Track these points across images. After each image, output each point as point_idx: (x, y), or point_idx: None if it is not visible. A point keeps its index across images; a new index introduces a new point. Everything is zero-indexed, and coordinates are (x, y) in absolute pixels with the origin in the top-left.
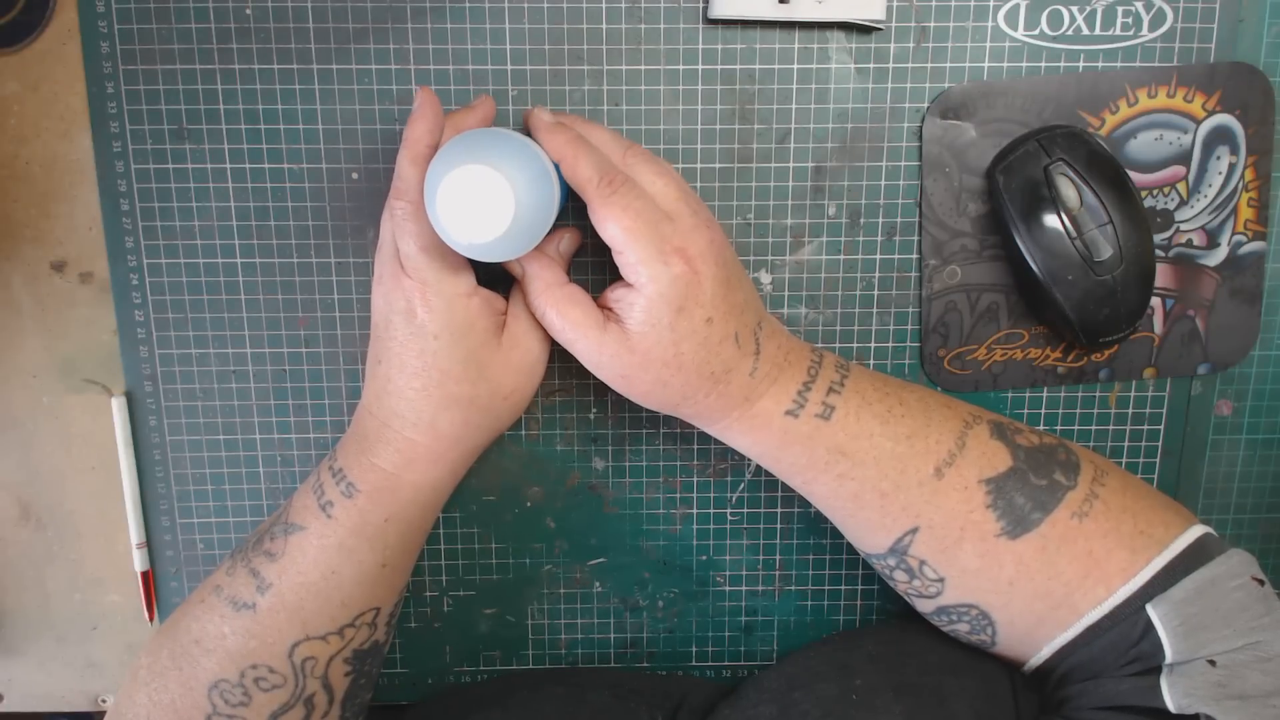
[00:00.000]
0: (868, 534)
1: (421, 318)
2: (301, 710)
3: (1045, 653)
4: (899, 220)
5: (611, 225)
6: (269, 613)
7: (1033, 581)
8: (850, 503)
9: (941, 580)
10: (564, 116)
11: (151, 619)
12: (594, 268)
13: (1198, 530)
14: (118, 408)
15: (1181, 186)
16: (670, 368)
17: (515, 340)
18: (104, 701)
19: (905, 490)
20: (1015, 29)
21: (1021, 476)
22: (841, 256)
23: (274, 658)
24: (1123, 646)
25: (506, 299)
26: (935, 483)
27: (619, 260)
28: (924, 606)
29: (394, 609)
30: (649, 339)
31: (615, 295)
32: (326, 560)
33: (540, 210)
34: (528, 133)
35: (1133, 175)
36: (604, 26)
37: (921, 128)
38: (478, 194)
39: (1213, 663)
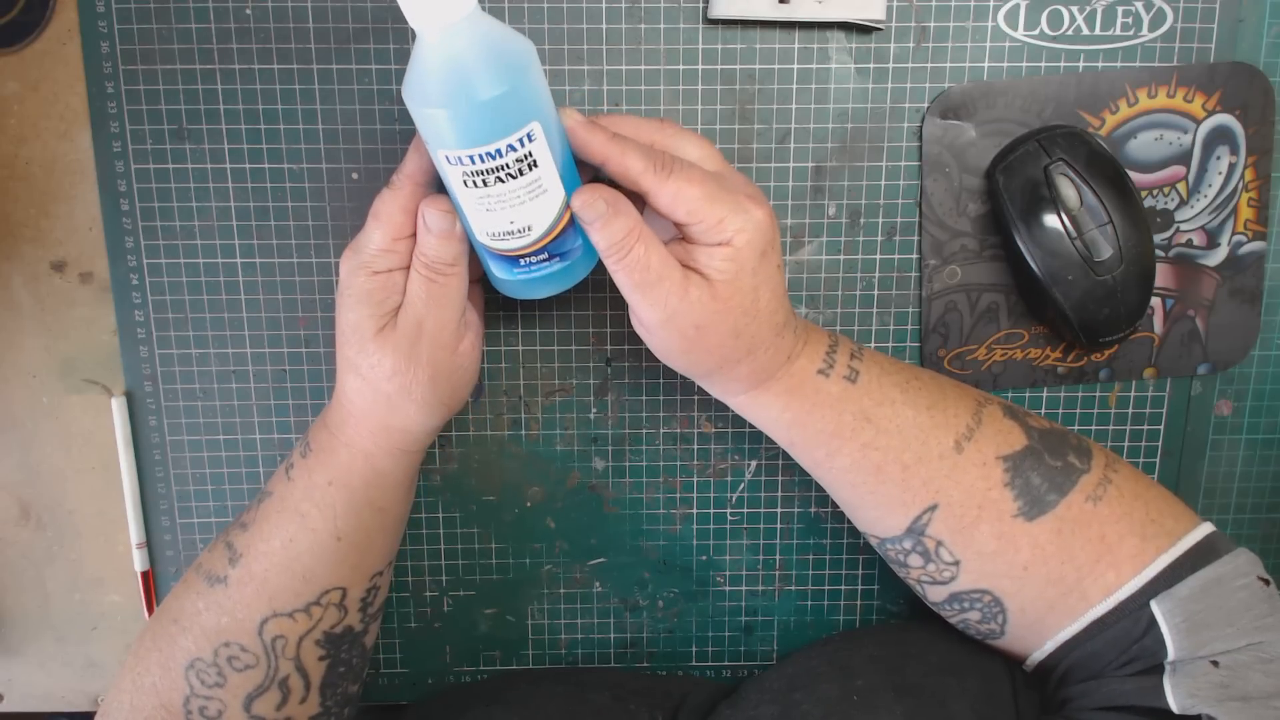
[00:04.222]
0: (886, 513)
1: (342, 274)
2: (277, 694)
3: (1049, 646)
4: (899, 220)
5: (683, 201)
6: (238, 585)
7: (1046, 566)
8: (872, 476)
9: (957, 564)
10: (595, 117)
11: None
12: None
13: (1206, 528)
14: (118, 408)
15: (1181, 186)
16: (748, 315)
17: (400, 323)
18: (103, 701)
19: (927, 463)
20: (1015, 29)
21: (1037, 456)
22: (841, 256)
23: (244, 634)
24: (1125, 643)
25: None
26: (955, 457)
27: (694, 231)
28: (936, 595)
29: (366, 595)
30: (731, 285)
31: (689, 250)
32: (284, 526)
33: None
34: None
35: (1133, 175)
36: (604, 26)
37: (921, 128)
38: None
39: (1215, 663)
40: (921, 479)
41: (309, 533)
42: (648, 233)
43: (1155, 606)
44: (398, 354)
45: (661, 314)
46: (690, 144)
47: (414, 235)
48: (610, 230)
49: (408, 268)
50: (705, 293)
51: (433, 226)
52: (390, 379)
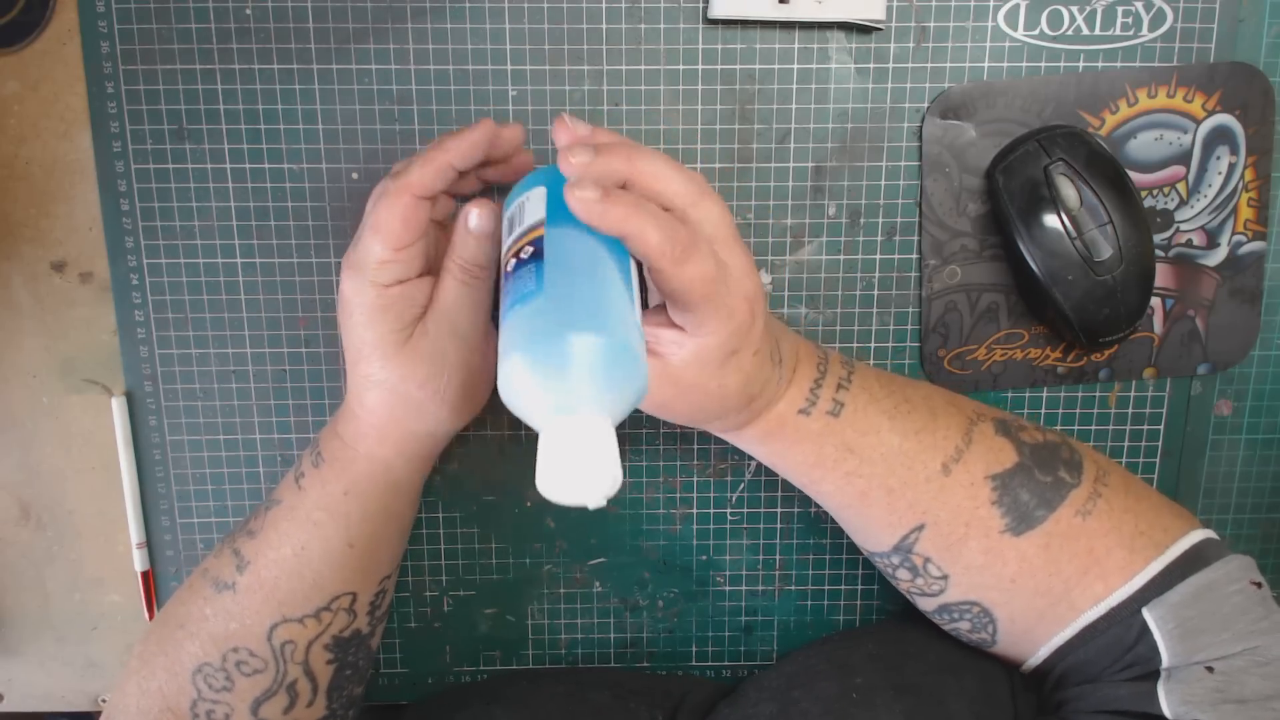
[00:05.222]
0: (873, 532)
1: (346, 292)
2: (285, 698)
3: (1043, 653)
4: (899, 220)
5: (683, 295)
6: (246, 592)
7: (1034, 578)
8: (857, 501)
9: (945, 578)
10: (604, 138)
11: (151, 619)
12: None
13: (1198, 534)
14: (118, 408)
15: (1181, 186)
16: (712, 398)
17: (429, 329)
18: (104, 701)
19: (912, 487)
20: (1015, 29)
21: (1027, 473)
22: (841, 256)
23: (253, 640)
24: (1118, 650)
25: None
26: (942, 479)
27: (679, 315)
28: (926, 605)
29: (375, 598)
30: (692, 373)
31: (655, 334)
32: (296, 534)
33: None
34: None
35: (1133, 175)
36: (604, 26)
37: (921, 128)
38: (581, 452)
39: (1210, 669)
40: (907, 502)
41: (322, 540)
42: None
43: (1147, 613)
44: (431, 361)
45: None
46: (713, 210)
47: (414, 245)
48: None
49: (414, 277)
50: (663, 378)
51: (476, 228)
52: (423, 386)
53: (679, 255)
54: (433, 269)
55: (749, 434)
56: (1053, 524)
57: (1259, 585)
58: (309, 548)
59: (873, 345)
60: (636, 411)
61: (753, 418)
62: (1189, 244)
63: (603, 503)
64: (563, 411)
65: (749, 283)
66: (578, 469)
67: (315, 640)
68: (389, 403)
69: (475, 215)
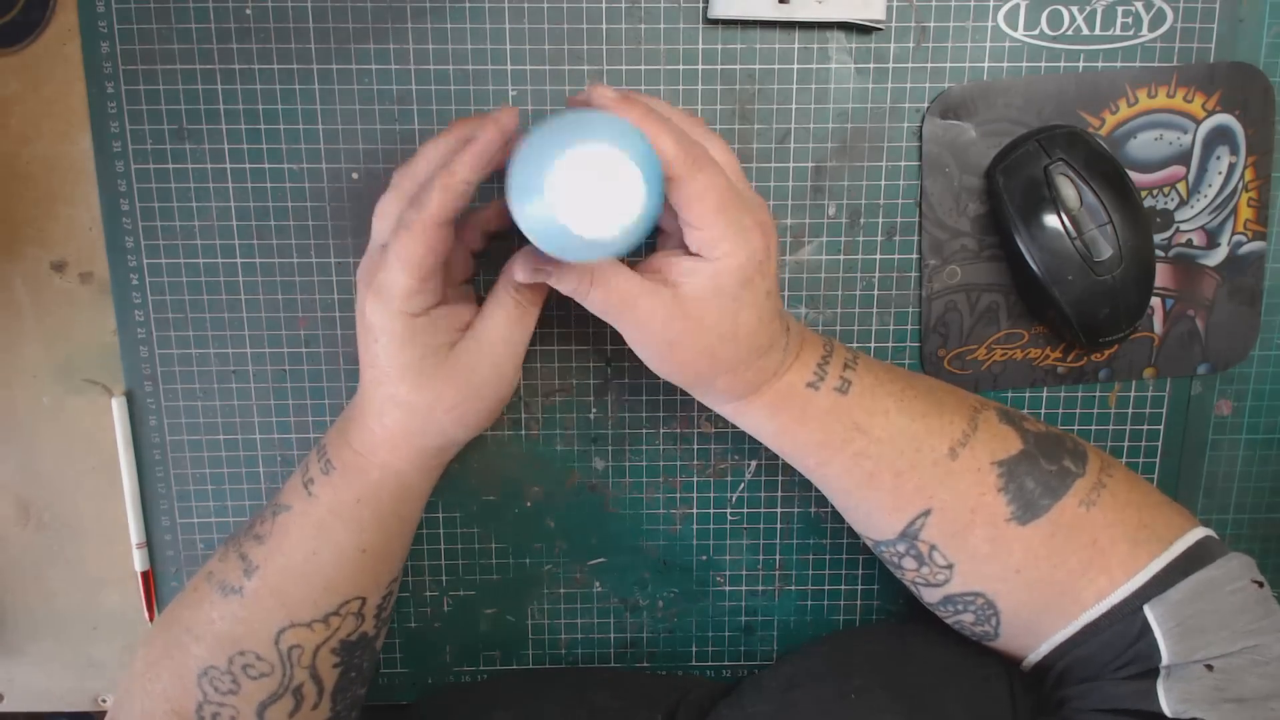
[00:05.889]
0: (880, 518)
1: (370, 317)
2: (290, 701)
3: (1044, 649)
4: (899, 220)
5: (697, 204)
6: (254, 596)
7: (1039, 569)
8: (865, 483)
9: (950, 567)
10: (625, 91)
11: (151, 619)
12: None
13: (1199, 533)
14: (118, 408)
15: (1181, 186)
16: (724, 338)
17: (464, 356)
18: (104, 701)
19: (920, 470)
20: (1015, 29)
21: (1032, 460)
22: (841, 256)
23: (260, 644)
24: (1119, 647)
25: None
26: (949, 463)
27: (694, 235)
28: (930, 596)
29: (382, 601)
30: (707, 305)
31: (670, 262)
32: (307, 540)
33: (657, 199)
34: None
35: (1133, 175)
36: (604, 26)
37: (921, 128)
38: (603, 181)
39: (1210, 667)
40: (915, 485)
41: (334, 546)
42: (601, 273)
43: (1148, 611)
44: (464, 388)
45: (632, 333)
46: (717, 147)
47: (438, 272)
48: (561, 286)
49: (441, 304)
50: (674, 310)
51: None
52: (450, 410)
53: (692, 161)
54: (451, 282)
55: (758, 404)
56: (1058, 513)
57: (1260, 584)
58: (320, 553)
59: (873, 345)
60: (637, 409)
61: (761, 382)
62: (1189, 244)
63: (624, 237)
64: (565, 149)
65: (762, 211)
66: (592, 191)
67: (323, 645)
68: (406, 422)
69: (519, 261)
